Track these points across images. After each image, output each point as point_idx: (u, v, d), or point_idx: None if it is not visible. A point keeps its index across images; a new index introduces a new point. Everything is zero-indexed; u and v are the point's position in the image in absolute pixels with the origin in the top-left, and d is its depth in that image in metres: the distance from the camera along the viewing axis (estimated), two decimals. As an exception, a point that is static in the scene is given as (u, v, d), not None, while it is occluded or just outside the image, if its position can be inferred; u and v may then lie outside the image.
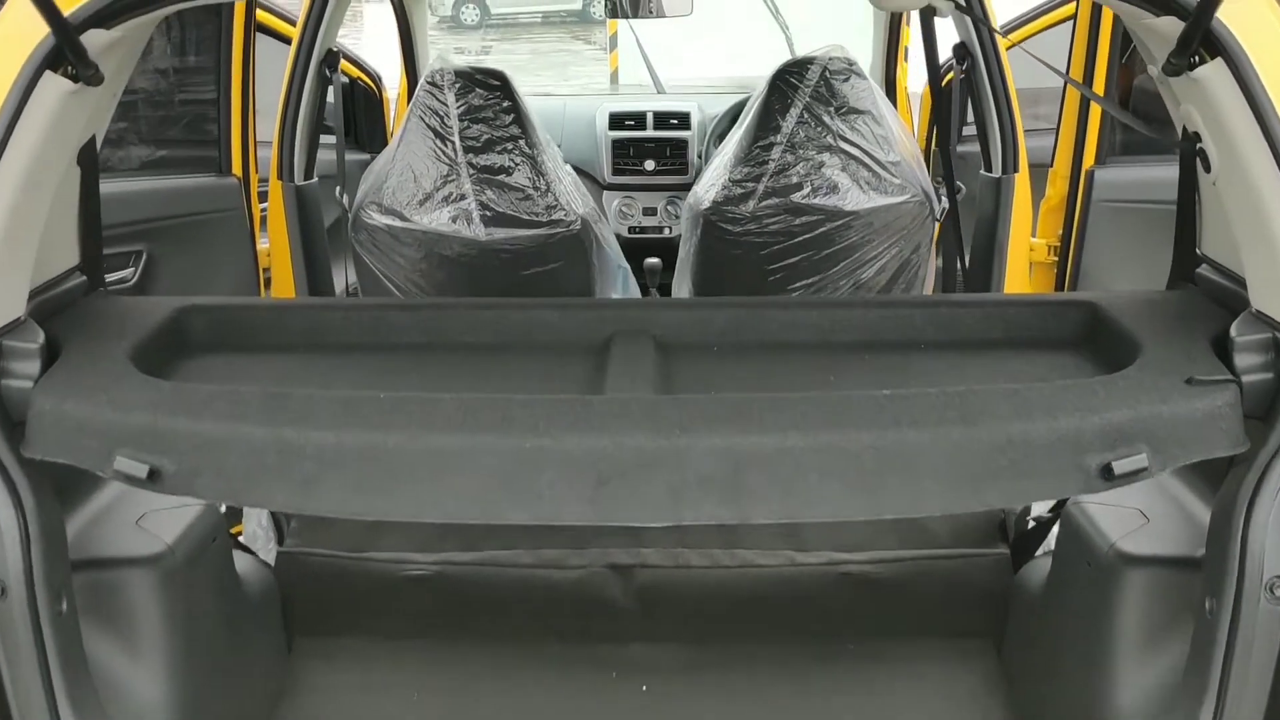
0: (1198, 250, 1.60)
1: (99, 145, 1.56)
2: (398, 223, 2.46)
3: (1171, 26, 1.31)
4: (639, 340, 1.53)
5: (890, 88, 3.57)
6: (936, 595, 2.03)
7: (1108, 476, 1.26)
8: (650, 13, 3.53)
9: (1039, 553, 1.98)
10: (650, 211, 3.82)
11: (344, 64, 3.54)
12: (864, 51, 3.51)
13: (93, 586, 1.53)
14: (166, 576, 1.57)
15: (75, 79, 1.35)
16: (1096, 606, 1.57)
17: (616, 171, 3.80)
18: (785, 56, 4.46)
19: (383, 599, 2.05)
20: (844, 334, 1.60)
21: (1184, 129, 1.48)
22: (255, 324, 1.66)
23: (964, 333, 1.53)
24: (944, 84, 3.61)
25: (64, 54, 1.32)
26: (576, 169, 3.82)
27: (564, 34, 19.40)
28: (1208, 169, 1.41)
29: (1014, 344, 1.52)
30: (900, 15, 3.34)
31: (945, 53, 4.51)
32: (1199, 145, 1.41)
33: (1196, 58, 1.31)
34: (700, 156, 3.72)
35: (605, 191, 3.83)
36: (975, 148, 3.64)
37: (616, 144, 3.79)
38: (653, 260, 3.38)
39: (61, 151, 1.44)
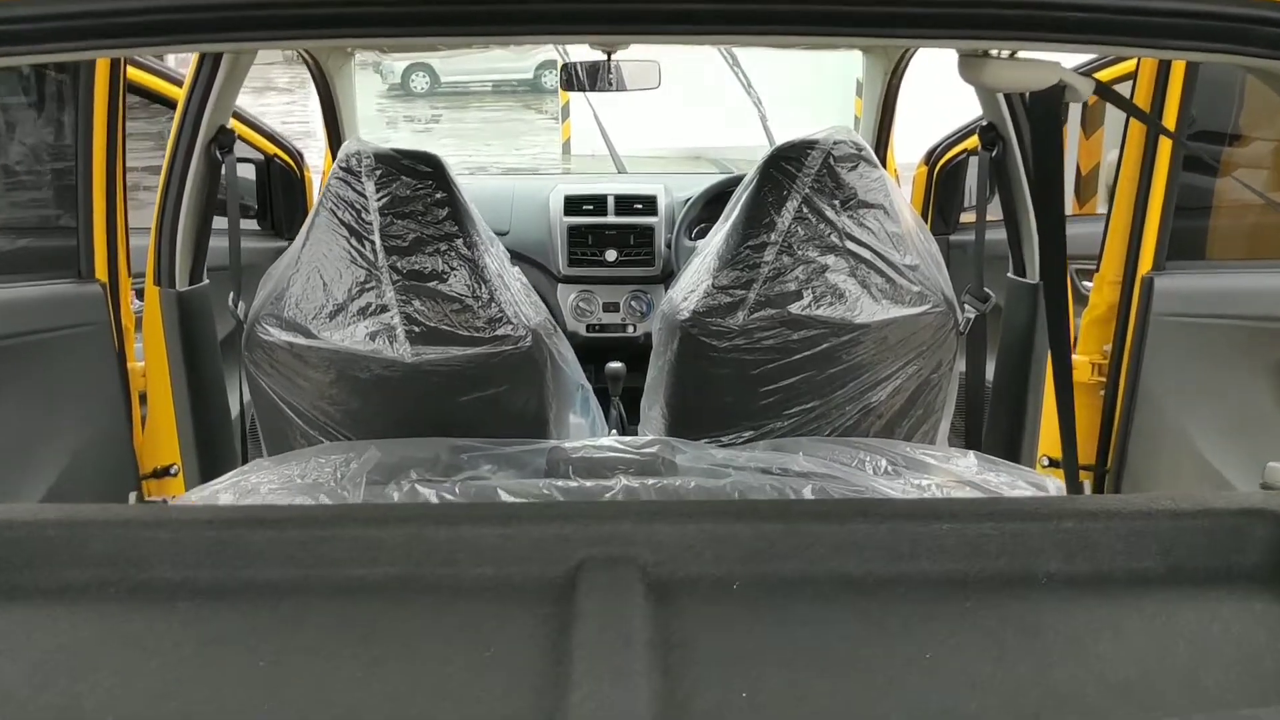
0: None
1: None
2: (301, 340, 1.97)
3: None
4: (619, 575, 1.02)
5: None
6: None
7: None
8: (610, 85, 3.10)
9: None
10: (611, 307, 3.36)
11: (258, 139, 3.08)
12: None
13: None
14: None
15: None
16: None
17: (573, 262, 3.34)
18: (756, 129, 4.16)
19: None
20: (929, 560, 1.06)
21: None
22: (33, 550, 1.08)
23: (1103, 560, 1.05)
24: (944, 165, 3.24)
25: None
26: (527, 260, 3.38)
27: (515, 103, 19.24)
28: None
29: (1176, 578, 1.05)
30: (897, 85, 2.94)
31: (934, 126, 4.16)
32: None
33: None
34: (668, 246, 3.27)
35: (560, 285, 3.37)
36: (971, 236, 3.26)
37: (573, 231, 3.34)
38: (615, 365, 2.91)
39: None
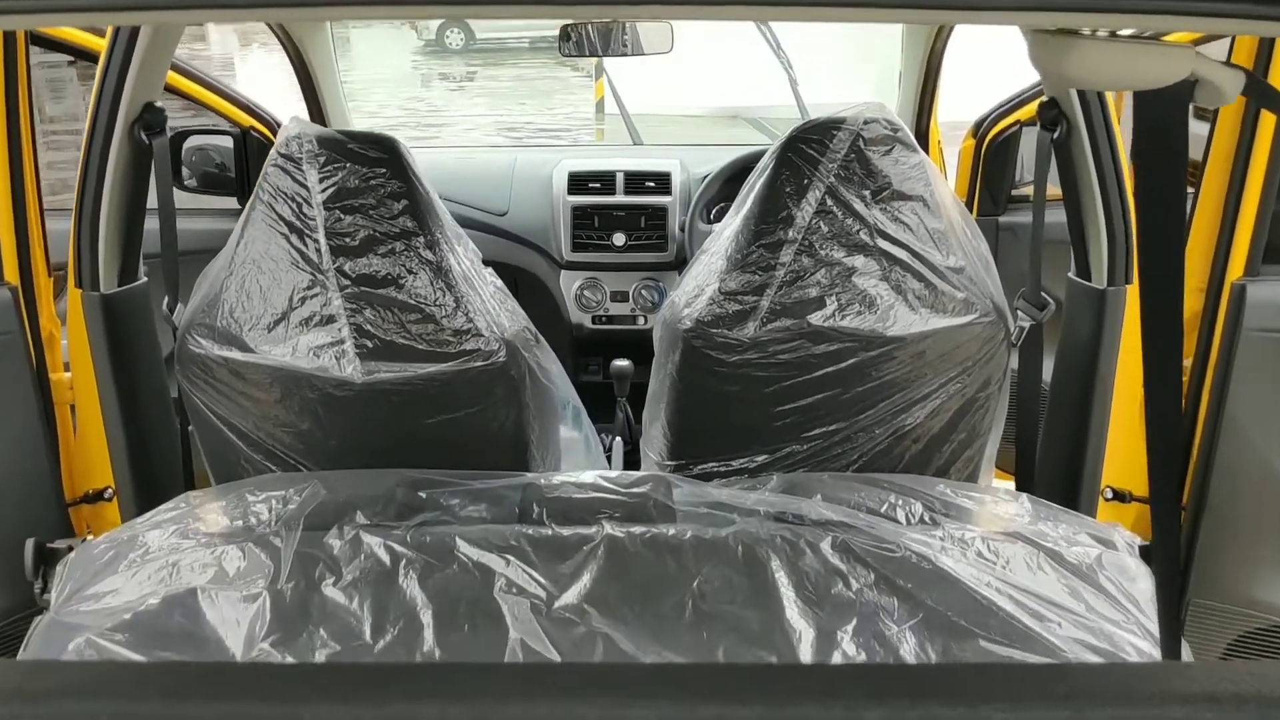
0: None
1: None
2: (237, 354, 1.70)
3: None
4: None
5: (920, 146, 2.83)
6: None
7: None
8: (624, 49, 2.78)
9: None
10: (620, 297, 3.05)
11: (232, 110, 2.80)
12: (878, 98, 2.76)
13: None
14: None
15: None
16: None
17: (578, 247, 3.03)
18: (786, 93, 3.80)
19: None
20: None
21: None
22: None
23: None
24: (994, 137, 2.89)
25: None
26: (527, 243, 3.08)
27: (550, 60, 18.89)
28: None
29: None
30: (942, 50, 2.58)
31: (966, 93, 3.78)
32: None
33: None
34: (683, 229, 2.95)
35: (564, 271, 3.06)
36: (1024, 218, 2.92)
37: (578, 211, 3.02)
38: (622, 363, 2.61)
39: None
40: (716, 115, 10.31)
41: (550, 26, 19.18)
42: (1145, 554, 1.46)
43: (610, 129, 11.39)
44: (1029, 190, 2.89)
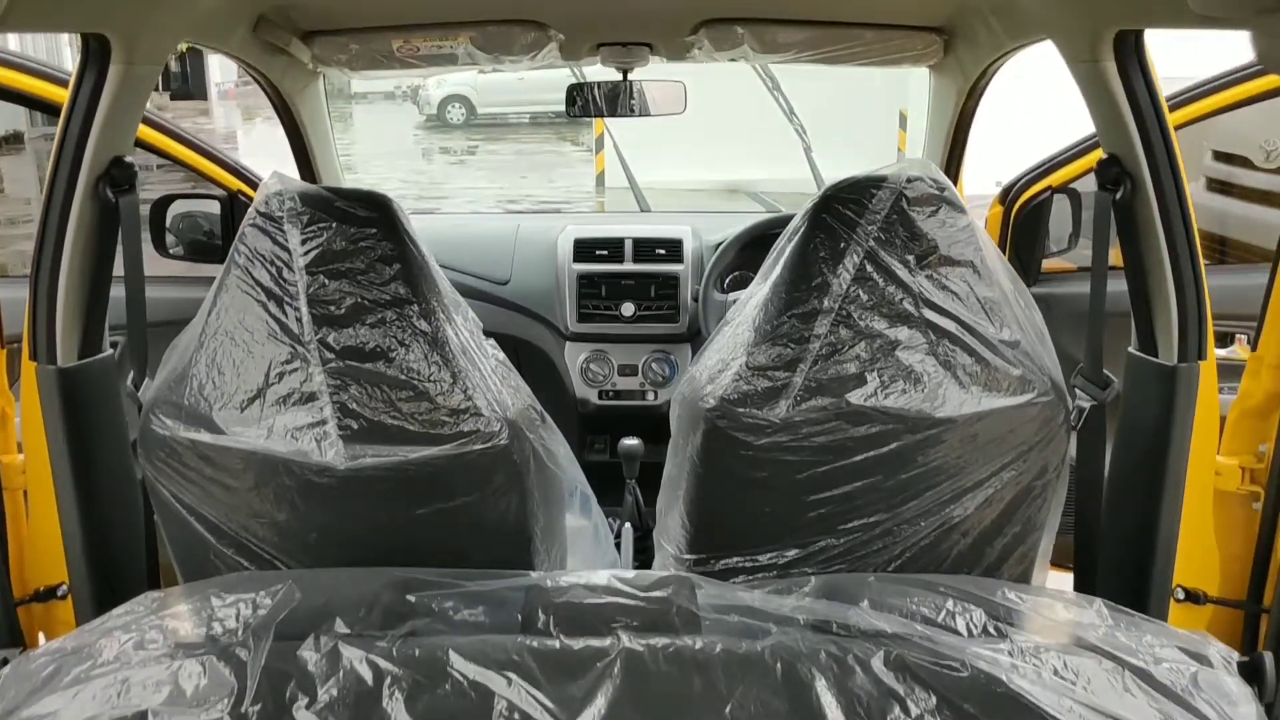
0: None
1: None
2: (207, 436, 1.52)
3: None
4: None
5: None
6: None
7: None
8: (631, 111, 2.64)
9: None
10: (628, 370, 2.88)
11: (218, 173, 2.65)
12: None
13: None
14: None
15: None
16: None
17: (584, 317, 2.87)
18: (799, 161, 3.68)
19: None
20: None
21: None
22: None
23: None
24: (1023, 204, 2.74)
25: None
26: (530, 314, 2.92)
27: (551, 135, 19.15)
28: None
29: None
30: (974, 108, 2.44)
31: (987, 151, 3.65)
32: None
33: None
34: (696, 299, 2.79)
35: (569, 343, 2.90)
36: (1066, 288, 2.75)
37: (584, 280, 2.87)
38: (630, 443, 2.43)
39: None
40: (716, 189, 10.28)
41: (551, 102, 19.51)
42: (1245, 671, 1.28)
43: (611, 202, 11.37)
44: (1058, 261, 2.75)
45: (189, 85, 25.67)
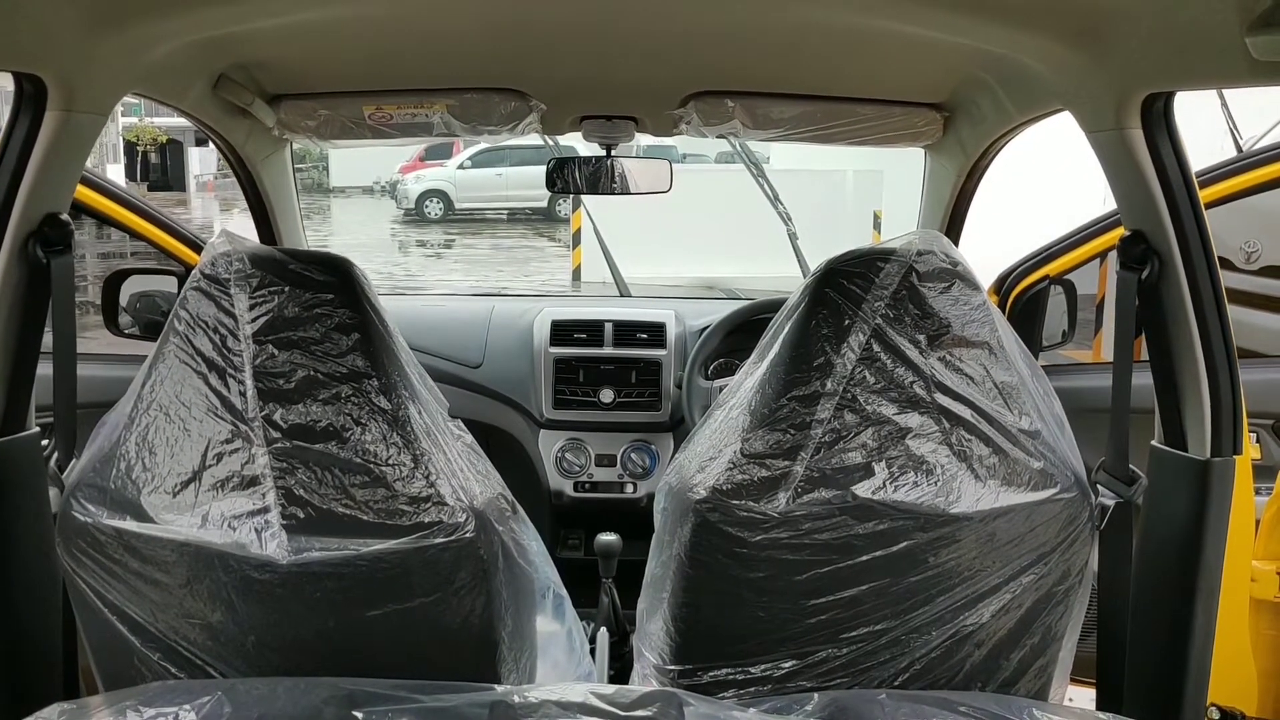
0: None
1: None
2: (133, 525, 1.36)
3: None
4: None
5: None
6: None
7: None
8: (613, 188, 2.54)
9: None
10: (606, 460, 2.73)
11: (176, 246, 2.51)
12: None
13: None
14: None
15: None
16: None
17: (560, 403, 2.73)
18: (778, 259, 3.59)
19: None
20: None
21: None
22: None
23: None
24: (1019, 293, 2.64)
25: None
26: (504, 399, 2.77)
27: (528, 230, 19.26)
28: None
29: None
30: (973, 189, 2.35)
31: (987, 226, 3.56)
32: None
33: None
34: (679, 386, 2.66)
35: (543, 431, 2.75)
36: (1069, 382, 2.63)
37: (561, 364, 2.74)
38: (608, 538, 2.26)
39: None
40: (692, 284, 10.26)
41: (531, 198, 19.66)
42: None
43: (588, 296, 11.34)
44: (1071, 350, 2.65)
45: (168, 176, 25.73)
